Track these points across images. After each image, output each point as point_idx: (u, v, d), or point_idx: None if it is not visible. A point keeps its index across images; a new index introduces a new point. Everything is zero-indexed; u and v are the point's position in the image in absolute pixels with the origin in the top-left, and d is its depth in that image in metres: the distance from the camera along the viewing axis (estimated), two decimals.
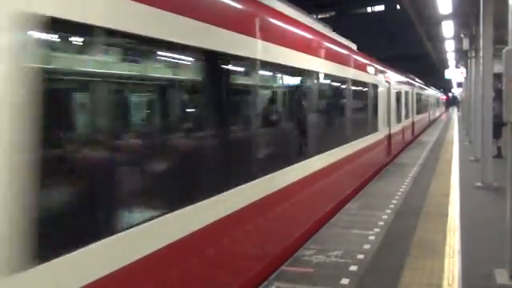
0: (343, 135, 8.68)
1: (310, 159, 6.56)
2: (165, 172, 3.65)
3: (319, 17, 45.06)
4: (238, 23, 4.48)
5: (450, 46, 22.76)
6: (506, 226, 4.77)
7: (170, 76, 3.87)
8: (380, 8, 53.51)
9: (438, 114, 45.03)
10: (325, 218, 7.14)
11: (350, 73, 9.11)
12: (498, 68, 14.99)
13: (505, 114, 4.79)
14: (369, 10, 54.88)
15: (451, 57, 28.05)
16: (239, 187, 4.41)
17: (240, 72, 4.92)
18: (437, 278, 4.86)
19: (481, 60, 10.36)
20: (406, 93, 18.71)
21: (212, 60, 4.05)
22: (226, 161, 4.33)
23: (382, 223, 7.05)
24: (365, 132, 10.52)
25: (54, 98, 2.56)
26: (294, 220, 6.06)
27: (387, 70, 13.74)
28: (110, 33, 2.80)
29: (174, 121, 3.91)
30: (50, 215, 2.47)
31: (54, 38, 2.54)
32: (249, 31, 4.65)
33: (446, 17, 15.10)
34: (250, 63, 4.76)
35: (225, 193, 4.12)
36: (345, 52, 9.06)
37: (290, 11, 6.30)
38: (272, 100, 5.87)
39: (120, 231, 2.88)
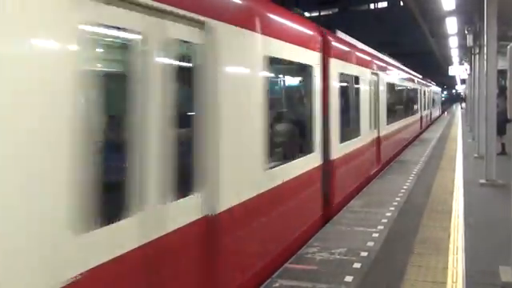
0: None
1: None
2: None
3: (322, 14, 44.89)
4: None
5: (453, 43, 22.66)
6: (511, 224, 4.75)
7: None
8: (383, 4, 53.32)
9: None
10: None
11: None
12: (502, 64, 14.87)
13: (509, 111, 4.77)
14: (372, 6, 54.66)
15: (455, 53, 27.93)
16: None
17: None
18: (441, 276, 4.85)
19: (485, 56, 10.30)
20: None
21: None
22: None
23: (385, 220, 7.04)
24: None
25: None
26: None
27: None
28: None
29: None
30: None
31: None
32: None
33: (450, 13, 15.02)
34: None
35: None
36: None
37: None
38: None
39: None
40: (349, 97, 9.06)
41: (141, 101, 3.09)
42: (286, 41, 5.65)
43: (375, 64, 11.36)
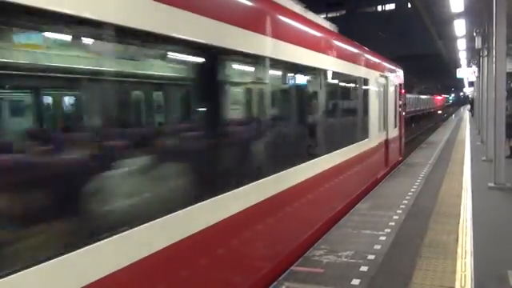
0: None
1: None
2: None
3: (329, 16, 44.89)
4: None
5: (461, 45, 22.54)
6: None
7: None
8: (391, 7, 53.17)
9: None
10: None
11: None
12: (511, 67, 14.72)
13: None
14: (379, 8, 54.53)
15: (463, 56, 27.78)
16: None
17: None
18: (449, 280, 4.80)
19: (493, 59, 10.22)
20: None
21: None
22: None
23: (392, 223, 7.00)
24: None
25: None
26: None
27: None
28: None
29: None
30: None
31: None
32: None
33: (458, 15, 14.95)
34: None
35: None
36: None
37: None
38: None
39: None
40: None
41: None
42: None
43: None
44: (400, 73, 14.28)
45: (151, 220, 3.09)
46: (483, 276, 4.88)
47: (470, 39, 18.34)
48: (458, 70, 32.26)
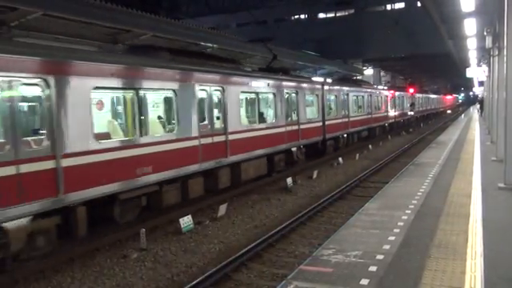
0: None
1: None
2: None
3: (338, 15, 44.73)
4: None
5: (471, 44, 22.34)
6: None
7: None
8: (400, 5, 52.80)
9: None
10: None
11: None
12: None
13: None
14: (388, 7, 54.19)
15: (473, 55, 27.54)
16: None
17: None
18: (458, 281, 4.78)
19: (504, 58, 10.12)
20: None
21: None
22: None
23: (401, 224, 6.97)
24: None
25: None
26: None
27: None
28: None
29: None
30: None
31: None
32: None
33: (469, 14, 14.81)
34: None
35: None
36: None
37: None
38: None
39: None
40: None
41: None
42: None
43: None
44: None
45: None
46: (493, 278, 4.84)
47: (481, 38, 18.17)
48: (467, 69, 32.01)
